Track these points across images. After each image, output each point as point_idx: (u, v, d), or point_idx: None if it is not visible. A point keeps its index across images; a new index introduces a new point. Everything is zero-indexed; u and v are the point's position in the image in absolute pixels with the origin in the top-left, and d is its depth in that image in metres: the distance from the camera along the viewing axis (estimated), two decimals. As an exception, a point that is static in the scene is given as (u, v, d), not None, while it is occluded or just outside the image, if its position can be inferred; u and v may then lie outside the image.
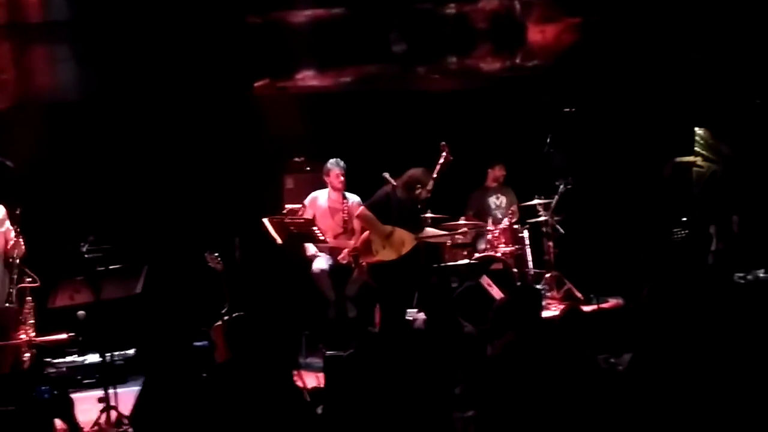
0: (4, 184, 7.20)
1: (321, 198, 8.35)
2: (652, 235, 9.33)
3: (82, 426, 5.82)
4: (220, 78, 8.53)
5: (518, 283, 8.52)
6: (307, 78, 9.05)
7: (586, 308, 7.99)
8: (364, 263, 7.71)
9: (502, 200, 9.50)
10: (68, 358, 7.62)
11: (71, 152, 8.71)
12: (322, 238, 7.75)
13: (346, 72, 8.92)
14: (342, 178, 8.23)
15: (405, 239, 7.61)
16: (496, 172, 9.50)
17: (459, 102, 9.78)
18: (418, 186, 7.65)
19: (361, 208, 7.81)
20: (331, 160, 8.28)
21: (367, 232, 7.75)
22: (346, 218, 8.16)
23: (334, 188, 8.25)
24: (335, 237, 8.13)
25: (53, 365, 6.81)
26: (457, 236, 8.44)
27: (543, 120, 9.54)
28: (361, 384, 5.33)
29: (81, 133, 8.80)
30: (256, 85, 8.98)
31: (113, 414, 5.94)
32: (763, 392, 3.94)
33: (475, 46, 8.75)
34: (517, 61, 8.98)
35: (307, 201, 8.35)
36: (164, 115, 9.02)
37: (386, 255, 7.61)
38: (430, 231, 7.79)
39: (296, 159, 9.17)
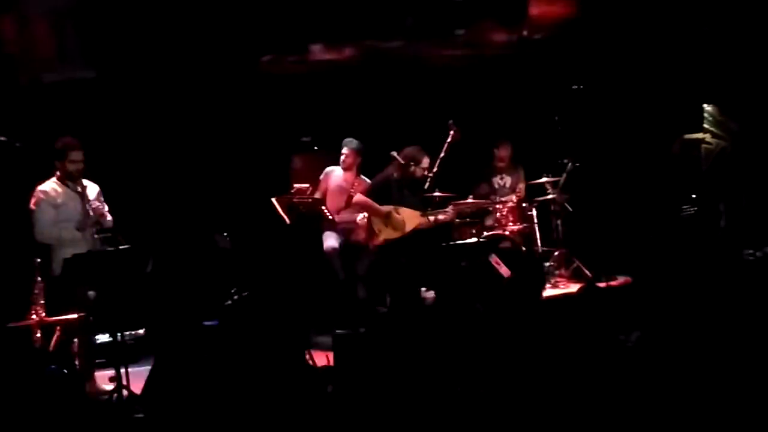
0: (10, 163, 7.26)
1: (334, 175, 8.41)
2: (660, 212, 9.31)
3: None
4: (228, 54, 8.49)
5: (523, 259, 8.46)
6: (315, 53, 8.98)
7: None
8: (372, 247, 7.74)
9: (507, 180, 9.45)
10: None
11: (78, 131, 8.68)
12: (330, 217, 7.78)
13: (354, 47, 8.86)
14: (344, 158, 8.29)
15: (407, 217, 7.62)
16: (501, 152, 9.43)
17: (467, 80, 9.75)
18: (412, 164, 7.65)
19: (357, 195, 7.84)
20: (347, 139, 8.35)
21: (364, 215, 7.81)
22: (352, 195, 8.22)
23: (342, 166, 8.32)
24: (338, 212, 8.16)
25: (65, 344, 6.80)
26: (439, 216, 8.19)
27: (551, 98, 9.50)
28: (371, 363, 5.35)
29: (87, 112, 8.79)
30: (263, 60, 8.92)
31: (125, 393, 5.97)
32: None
33: (481, 17, 8.69)
34: (524, 33, 8.92)
35: (321, 176, 8.42)
36: (173, 94, 9.01)
37: (389, 234, 7.64)
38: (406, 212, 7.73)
39: (304, 138, 9.17)
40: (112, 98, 8.87)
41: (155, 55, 8.31)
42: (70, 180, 6.55)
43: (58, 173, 6.57)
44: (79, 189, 6.55)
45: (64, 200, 6.53)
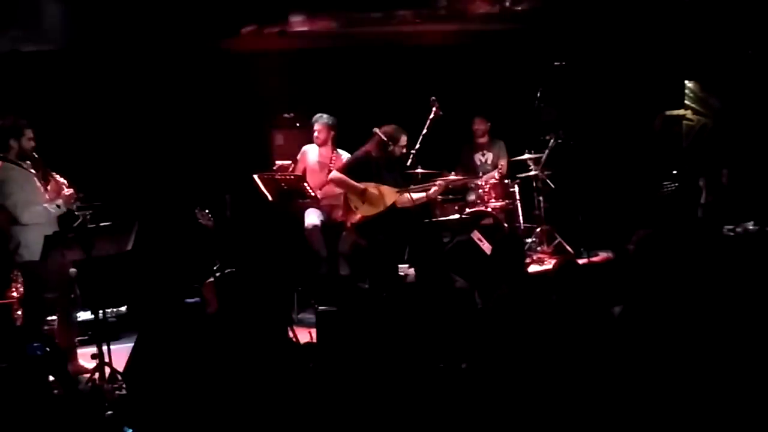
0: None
1: (311, 152, 8.38)
2: (642, 188, 9.35)
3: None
4: (208, 27, 8.39)
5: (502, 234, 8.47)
6: (296, 24, 8.86)
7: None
8: (349, 224, 7.73)
9: (488, 156, 9.47)
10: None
11: (57, 105, 8.60)
12: (312, 194, 7.76)
13: (335, 17, 8.76)
14: (316, 134, 8.27)
15: (384, 193, 7.60)
16: (478, 126, 9.46)
17: (449, 56, 9.73)
18: (390, 143, 7.62)
19: (333, 172, 7.81)
20: (316, 115, 8.32)
21: (340, 191, 7.81)
22: (332, 169, 8.21)
23: (316, 143, 8.31)
24: (320, 189, 8.15)
25: (45, 322, 6.80)
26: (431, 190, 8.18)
27: (533, 74, 9.50)
28: (353, 339, 5.37)
29: (67, 86, 8.70)
30: (243, 31, 8.81)
31: (107, 370, 5.97)
32: (751, 344, 3.98)
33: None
34: (507, 4, 8.87)
35: (299, 155, 8.40)
36: (154, 70, 8.94)
37: (366, 211, 7.61)
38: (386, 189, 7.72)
39: (285, 115, 9.14)
40: (92, 73, 8.80)
41: (135, 30, 8.21)
42: (23, 159, 6.26)
43: (9, 152, 6.24)
44: (33, 167, 6.31)
45: (27, 179, 6.25)
